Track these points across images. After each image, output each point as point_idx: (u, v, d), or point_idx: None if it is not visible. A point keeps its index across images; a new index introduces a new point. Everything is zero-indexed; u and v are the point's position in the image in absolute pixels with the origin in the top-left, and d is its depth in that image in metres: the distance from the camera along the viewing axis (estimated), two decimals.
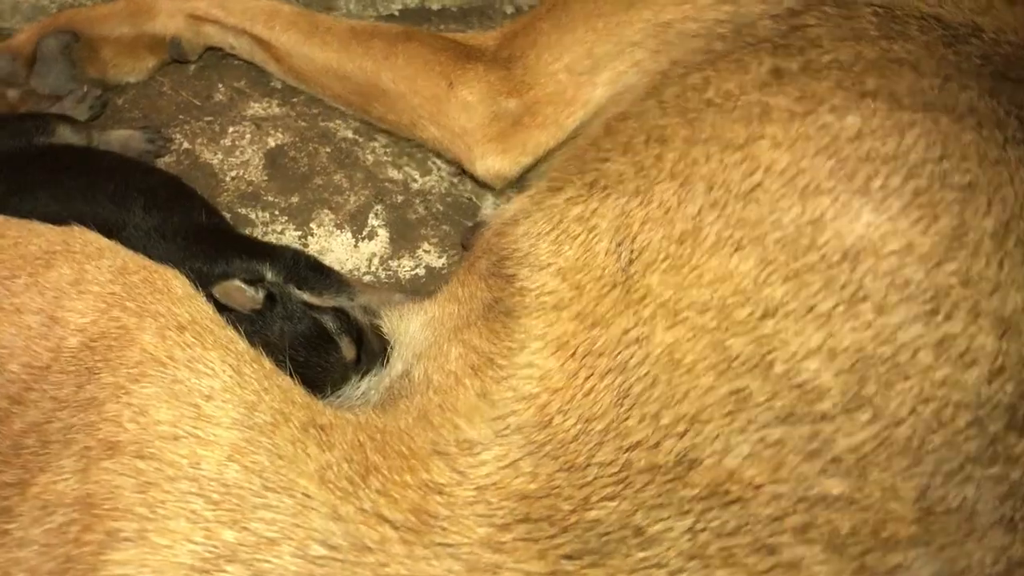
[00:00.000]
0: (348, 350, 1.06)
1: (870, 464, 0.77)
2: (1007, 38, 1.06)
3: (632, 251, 0.91)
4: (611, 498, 0.77)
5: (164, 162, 1.44)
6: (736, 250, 0.86)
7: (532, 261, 0.97)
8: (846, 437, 0.78)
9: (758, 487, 0.76)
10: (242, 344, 0.93)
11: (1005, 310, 0.81)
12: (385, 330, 1.11)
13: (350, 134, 1.49)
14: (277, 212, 1.41)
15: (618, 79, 1.22)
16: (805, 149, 0.89)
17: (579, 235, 0.95)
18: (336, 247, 1.39)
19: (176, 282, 0.97)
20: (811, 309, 0.82)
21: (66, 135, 1.29)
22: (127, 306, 0.92)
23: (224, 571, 0.69)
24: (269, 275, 1.14)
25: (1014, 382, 0.80)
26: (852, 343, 0.81)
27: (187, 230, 1.20)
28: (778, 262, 0.85)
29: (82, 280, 0.95)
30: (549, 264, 0.95)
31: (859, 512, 0.75)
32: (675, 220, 0.91)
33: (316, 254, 1.38)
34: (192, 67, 1.53)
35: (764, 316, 0.83)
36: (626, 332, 0.86)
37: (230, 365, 0.87)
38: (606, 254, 0.92)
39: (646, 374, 0.83)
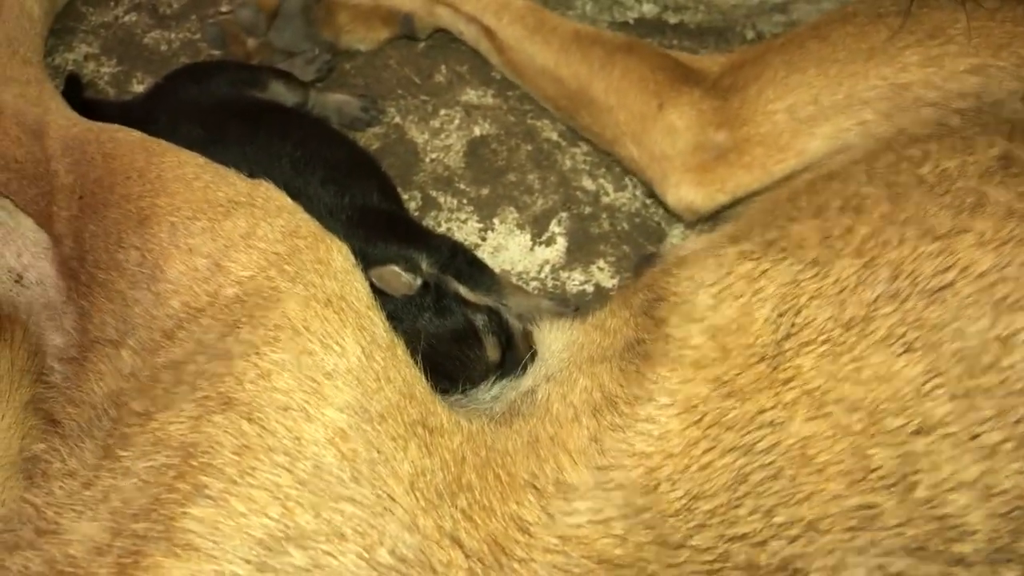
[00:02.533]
0: (492, 351, 1.05)
1: None
2: None
3: (793, 325, 0.84)
4: None
5: (372, 132, 1.48)
6: (906, 351, 0.77)
7: (687, 311, 0.91)
8: None
9: None
10: (381, 328, 0.93)
11: None
12: (535, 339, 1.09)
13: (555, 136, 1.47)
14: (465, 201, 1.42)
15: (839, 135, 1.13)
16: (1014, 255, 0.78)
17: (743, 295, 0.89)
18: (512, 246, 1.38)
19: (338, 255, 0.99)
20: (975, 437, 0.72)
21: (280, 92, 1.35)
22: (285, 269, 0.95)
23: (287, 553, 0.69)
24: (425, 264, 1.14)
25: None
26: (1014, 487, 0.70)
27: (356, 209, 1.23)
28: (950, 375, 0.75)
29: (253, 235, 0.99)
30: (702, 318, 0.89)
31: None
32: (848, 303, 0.82)
33: (491, 250, 1.38)
34: (421, 45, 1.56)
35: (918, 432, 0.74)
36: (761, 412, 0.79)
37: (361, 348, 0.88)
38: (764, 322, 0.85)
39: (771, 463, 0.76)
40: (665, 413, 0.82)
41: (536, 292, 1.32)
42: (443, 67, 1.55)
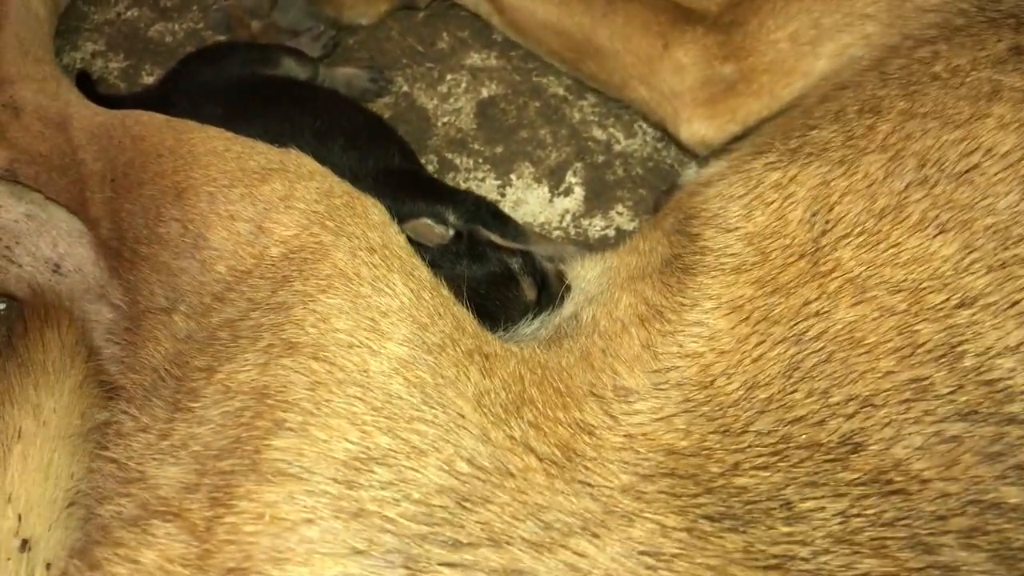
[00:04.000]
0: (530, 291, 1.08)
1: None
2: None
3: (828, 221, 0.87)
4: (763, 468, 0.74)
5: (383, 102, 1.50)
6: (940, 232, 0.80)
7: (720, 223, 0.94)
8: None
9: (925, 481, 0.71)
10: (425, 272, 0.96)
11: None
12: (568, 276, 1.12)
13: (561, 91, 1.50)
14: (481, 160, 1.45)
15: (843, 52, 1.16)
16: None
17: (773, 201, 0.92)
18: (532, 200, 1.41)
19: (374, 210, 1.02)
20: (1015, 304, 0.76)
21: (291, 68, 1.37)
22: (327, 224, 0.98)
23: (372, 472, 0.72)
24: (452, 218, 1.17)
25: None
26: None
27: (380, 171, 1.26)
28: (985, 250, 0.78)
29: (291, 197, 1.02)
30: (737, 228, 0.92)
31: None
32: (879, 194, 0.85)
33: (512, 205, 1.40)
34: (421, 15, 1.59)
35: (960, 305, 0.77)
36: (807, 304, 0.82)
37: (410, 289, 0.91)
38: (799, 223, 0.88)
39: (822, 348, 0.79)
40: (713, 316, 0.85)
41: (560, 240, 1.35)
42: (445, 34, 1.57)
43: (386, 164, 1.27)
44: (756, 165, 0.97)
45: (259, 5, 1.47)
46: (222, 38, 1.53)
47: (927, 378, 0.75)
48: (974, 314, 0.76)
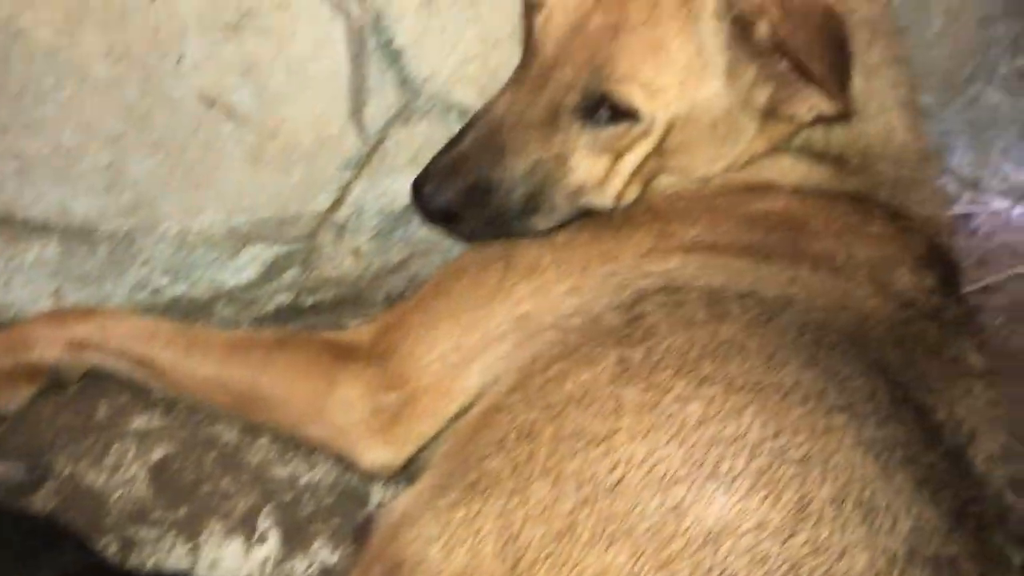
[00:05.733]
0: None
1: None
2: (816, 303, 1.22)
3: (517, 550, 0.97)
4: None
5: (46, 489, 1.43)
6: (610, 544, 0.93)
7: (425, 569, 1.01)
8: None
9: None
10: None
11: (855, 570, 0.90)
12: None
13: (234, 438, 1.53)
14: (165, 527, 1.42)
15: (489, 368, 1.31)
16: (657, 439, 0.99)
17: (466, 539, 1.01)
18: (227, 557, 1.40)
19: None
20: None
21: None
22: None
23: None
24: None
25: None
26: None
27: None
28: (648, 553, 0.92)
29: None
30: (440, 571, 1.00)
31: None
32: (553, 517, 0.98)
33: (208, 566, 1.38)
34: (72, 389, 1.55)
35: None
36: None
37: None
38: (493, 556, 0.98)
39: None
40: None
41: None
42: (102, 403, 1.55)
43: (62, 570, 1.21)
44: (442, 504, 1.07)
45: None
46: None
47: None
48: None
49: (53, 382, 1.52)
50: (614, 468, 0.99)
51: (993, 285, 2.02)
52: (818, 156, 1.43)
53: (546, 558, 0.95)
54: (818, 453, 0.97)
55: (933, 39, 1.96)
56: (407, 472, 1.39)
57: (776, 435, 0.98)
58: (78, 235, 1.57)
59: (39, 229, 1.54)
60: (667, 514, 0.94)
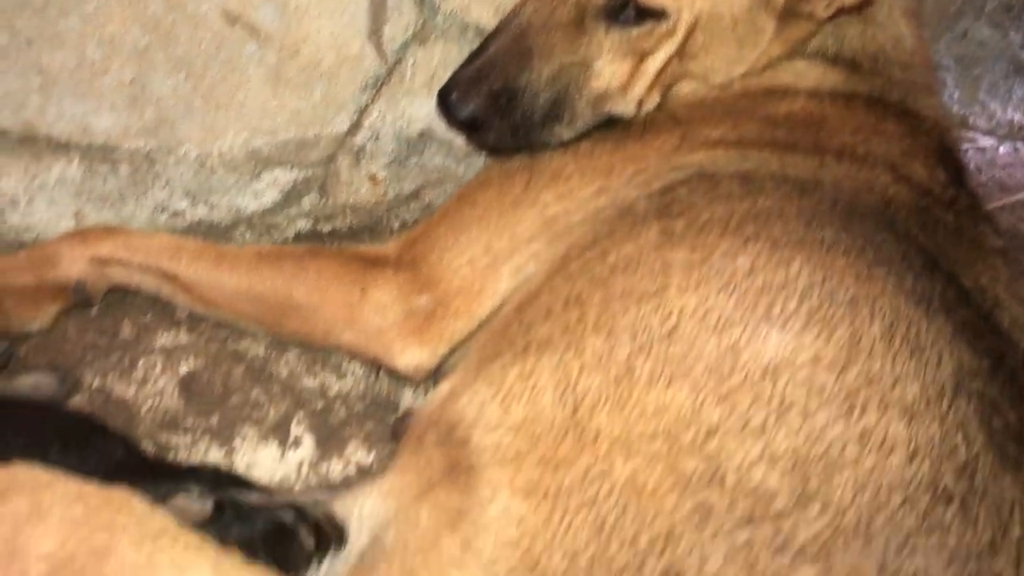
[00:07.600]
0: (308, 539, 1.08)
1: (832, 550, 0.85)
2: (843, 186, 1.26)
3: (576, 397, 1.00)
4: None
5: (76, 402, 1.43)
6: (670, 383, 0.97)
7: (483, 424, 1.03)
8: (805, 529, 0.86)
9: None
10: (213, 544, 0.94)
11: (907, 399, 0.94)
12: (338, 514, 1.14)
13: (262, 351, 1.54)
14: (198, 434, 1.42)
15: (521, 268, 1.34)
16: (708, 290, 1.03)
17: (523, 393, 1.03)
18: (263, 459, 1.41)
19: (134, 499, 0.98)
20: (746, 424, 0.93)
21: None
22: (95, 524, 0.92)
23: None
24: (197, 493, 1.15)
25: (928, 460, 0.92)
26: (788, 447, 0.91)
27: (106, 468, 1.20)
28: (708, 388, 0.95)
29: (39, 509, 0.95)
30: (501, 424, 1.02)
31: None
32: (609, 365, 1.01)
33: (244, 468, 1.39)
34: (94, 310, 1.55)
35: (708, 436, 0.93)
36: (589, 469, 0.93)
37: (209, 561, 0.88)
38: (552, 404, 1.00)
39: (616, 503, 0.90)
40: (513, 502, 0.93)
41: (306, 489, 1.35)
42: (126, 322, 1.55)
43: (110, 457, 1.22)
44: (494, 368, 1.09)
45: None
46: None
47: (706, 501, 0.88)
48: (720, 439, 0.92)
49: (77, 300, 1.52)
50: (668, 318, 1.02)
51: None
52: (832, 60, 1.48)
53: (606, 401, 0.98)
54: (864, 296, 1.01)
55: None
56: (439, 376, 1.41)
57: (824, 280, 1.02)
58: (100, 154, 1.56)
59: (61, 147, 1.54)
60: (724, 353, 0.97)
